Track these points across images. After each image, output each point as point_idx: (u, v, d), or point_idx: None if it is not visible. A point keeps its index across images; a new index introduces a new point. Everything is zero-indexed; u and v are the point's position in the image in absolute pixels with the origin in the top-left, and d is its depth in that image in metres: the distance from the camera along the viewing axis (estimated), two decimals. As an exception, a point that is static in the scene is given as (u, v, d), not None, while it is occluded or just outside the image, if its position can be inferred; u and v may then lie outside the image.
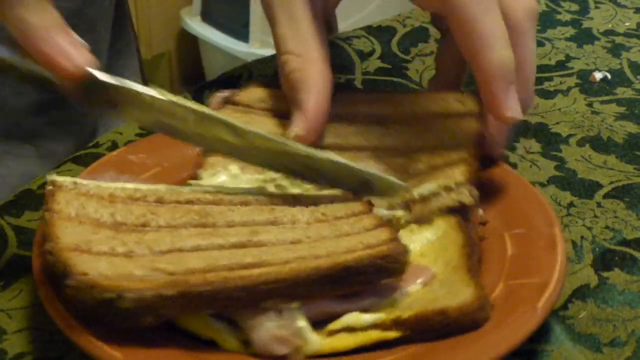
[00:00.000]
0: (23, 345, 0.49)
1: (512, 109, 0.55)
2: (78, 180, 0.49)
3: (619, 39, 0.89)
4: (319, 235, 0.48)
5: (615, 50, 0.86)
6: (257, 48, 2.25)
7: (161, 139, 0.62)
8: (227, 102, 0.61)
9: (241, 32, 2.30)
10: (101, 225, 0.46)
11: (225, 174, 0.55)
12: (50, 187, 0.48)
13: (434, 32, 0.88)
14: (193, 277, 0.43)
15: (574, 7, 0.97)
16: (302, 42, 0.58)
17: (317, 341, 0.44)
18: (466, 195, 0.55)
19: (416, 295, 0.48)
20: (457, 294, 0.47)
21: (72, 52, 0.47)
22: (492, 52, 0.54)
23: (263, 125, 0.58)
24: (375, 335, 0.45)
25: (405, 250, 0.47)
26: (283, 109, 0.59)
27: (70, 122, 0.78)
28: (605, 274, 0.55)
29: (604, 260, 0.57)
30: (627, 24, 0.93)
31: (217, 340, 0.45)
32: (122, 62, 0.87)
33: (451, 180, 0.55)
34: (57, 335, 0.49)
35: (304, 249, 0.46)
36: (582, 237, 0.59)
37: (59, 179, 0.48)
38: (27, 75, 0.49)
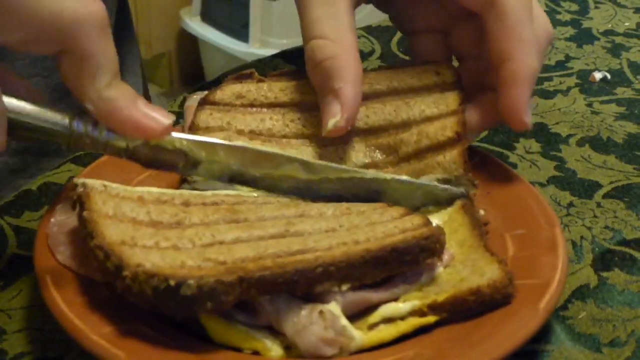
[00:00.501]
0: (23, 345, 0.49)
1: (529, 116, 0.57)
2: (107, 183, 0.49)
3: (618, 39, 0.89)
4: (352, 224, 0.49)
5: (615, 50, 0.86)
6: (256, 48, 2.25)
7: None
8: (205, 102, 0.59)
9: (241, 32, 2.31)
10: (140, 223, 0.47)
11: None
12: (81, 189, 0.48)
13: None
14: (248, 264, 0.43)
15: (574, 7, 0.97)
16: (339, 27, 0.56)
17: (360, 337, 0.45)
18: (467, 187, 0.55)
19: (441, 277, 0.49)
20: (484, 272, 0.48)
21: (156, 115, 0.49)
22: (528, 57, 0.56)
23: (247, 122, 0.58)
24: (414, 322, 0.46)
25: (443, 231, 0.48)
26: (263, 102, 0.59)
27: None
28: (605, 274, 0.55)
29: (604, 260, 0.57)
30: (626, 24, 0.93)
31: (260, 350, 0.45)
32: (123, 64, 0.87)
33: (449, 172, 0.55)
34: (56, 334, 0.49)
35: (343, 236, 0.47)
36: (581, 237, 0.59)
37: (89, 181, 0.49)
38: (102, 146, 0.50)
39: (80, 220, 0.47)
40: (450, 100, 0.58)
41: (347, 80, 0.54)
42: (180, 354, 0.44)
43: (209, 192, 0.53)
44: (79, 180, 0.49)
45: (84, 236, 0.46)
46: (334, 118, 0.54)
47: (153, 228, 0.47)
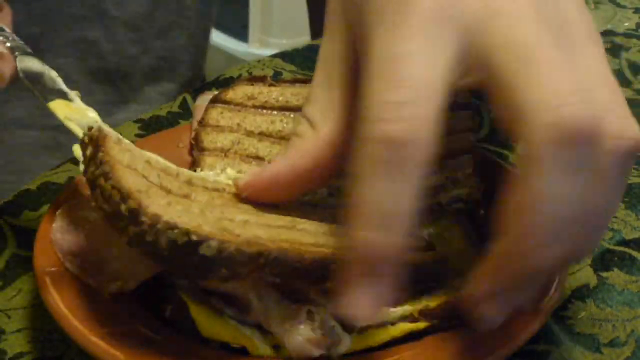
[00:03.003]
0: (22, 345, 0.49)
1: (491, 321, 0.42)
2: (121, 137, 0.47)
3: (618, 39, 0.89)
4: None
5: (615, 50, 0.86)
6: (256, 48, 2.25)
7: (161, 139, 0.62)
8: (217, 101, 0.60)
9: (240, 32, 2.31)
10: (151, 183, 0.44)
11: (223, 177, 0.55)
12: (97, 133, 0.45)
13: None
14: (266, 242, 0.42)
15: (574, 7, 0.97)
16: (323, 113, 0.46)
17: (349, 339, 0.45)
18: (474, 187, 0.55)
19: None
20: None
21: None
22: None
23: (258, 123, 0.58)
24: (405, 327, 0.46)
25: None
26: (274, 105, 0.59)
27: None
28: (604, 274, 0.55)
29: (603, 261, 0.57)
30: (626, 24, 0.93)
31: (247, 347, 0.45)
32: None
33: (458, 171, 0.55)
34: (55, 334, 0.49)
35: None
36: (581, 237, 0.58)
37: (106, 128, 0.46)
38: None
39: (92, 161, 0.44)
40: (462, 118, 0.59)
41: (287, 157, 0.46)
42: (178, 355, 0.44)
43: (211, 178, 0.51)
44: (95, 124, 0.46)
45: (95, 177, 0.43)
46: (245, 177, 0.48)
47: (164, 191, 0.44)
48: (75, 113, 0.51)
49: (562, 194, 0.37)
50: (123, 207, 0.41)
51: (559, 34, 0.39)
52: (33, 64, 0.52)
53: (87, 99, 0.75)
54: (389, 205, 0.38)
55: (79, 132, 0.49)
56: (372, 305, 0.39)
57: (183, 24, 0.81)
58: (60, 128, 0.75)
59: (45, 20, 0.71)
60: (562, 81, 0.37)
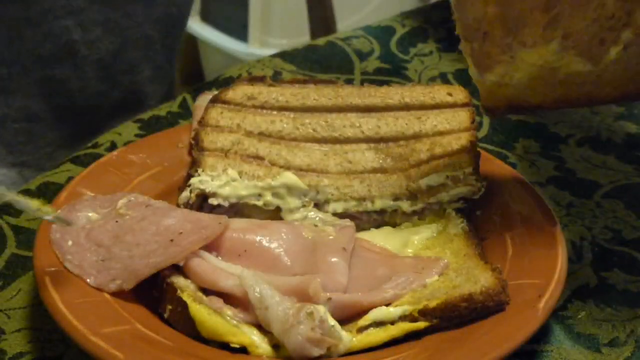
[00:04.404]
0: (22, 345, 0.49)
1: None
2: None
3: (618, 39, 0.89)
4: None
5: (615, 50, 0.86)
6: (256, 48, 2.25)
7: (160, 139, 0.62)
8: (217, 101, 0.60)
9: (240, 32, 2.31)
10: None
11: (225, 177, 0.55)
12: None
13: (433, 32, 0.88)
14: None
15: (573, 7, 0.97)
16: None
17: (349, 339, 0.45)
18: (475, 185, 0.55)
19: (435, 285, 0.49)
20: (478, 280, 0.48)
21: None
22: None
23: (257, 123, 0.58)
24: (404, 327, 0.46)
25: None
26: (274, 105, 0.59)
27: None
28: (604, 274, 0.55)
29: (604, 260, 0.57)
30: (626, 24, 0.93)
31: (247, 346, 0.45)
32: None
33: (459, 170, 0.56)
34: (55, 334, 0.49)
35: None
36: (581, 238, 0.58)
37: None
38: None
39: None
40: (462, 118, 0.59)
41: None
42: (178, 355, 0.44)
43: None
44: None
45: None
46: None
47: None
48: None
49: None
50: None
51: None
52: None
53: (51, 134, 0.76)
54: None
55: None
56: None
57: (150, 57, 0.81)
58: (25, 163, 0.75)
59: (16, 62, 0.71)
60: None
